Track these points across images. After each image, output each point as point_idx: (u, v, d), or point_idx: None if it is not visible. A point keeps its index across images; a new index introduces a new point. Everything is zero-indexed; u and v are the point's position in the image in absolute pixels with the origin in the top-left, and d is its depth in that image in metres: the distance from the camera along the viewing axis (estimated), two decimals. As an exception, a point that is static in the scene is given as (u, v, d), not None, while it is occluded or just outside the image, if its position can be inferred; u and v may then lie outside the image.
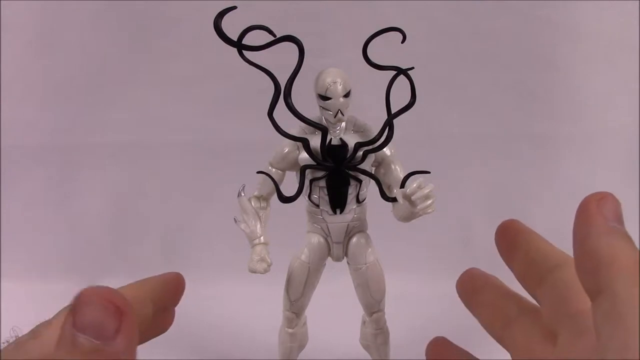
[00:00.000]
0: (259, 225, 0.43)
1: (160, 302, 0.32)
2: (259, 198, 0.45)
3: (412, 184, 0.40)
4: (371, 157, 0.43)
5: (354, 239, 0.45)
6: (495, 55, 0.70)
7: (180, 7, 0.67)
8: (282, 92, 0.37)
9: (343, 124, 0.42)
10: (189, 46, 0.68)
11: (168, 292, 0.33)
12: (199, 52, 0.68)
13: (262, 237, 0.43)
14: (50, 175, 0.73)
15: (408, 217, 0.41)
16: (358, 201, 0.44)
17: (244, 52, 0.36)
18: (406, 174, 0.42)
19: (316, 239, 0.45)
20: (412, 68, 0.39)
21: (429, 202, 0.40)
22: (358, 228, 0.45)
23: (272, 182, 0.42)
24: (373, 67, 0.39)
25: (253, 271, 0.42)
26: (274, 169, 0.44)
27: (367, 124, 0.43)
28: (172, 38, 0.68)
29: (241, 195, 0.44)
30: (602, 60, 0.71)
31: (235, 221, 0.44)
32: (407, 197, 0.40)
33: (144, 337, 0.30)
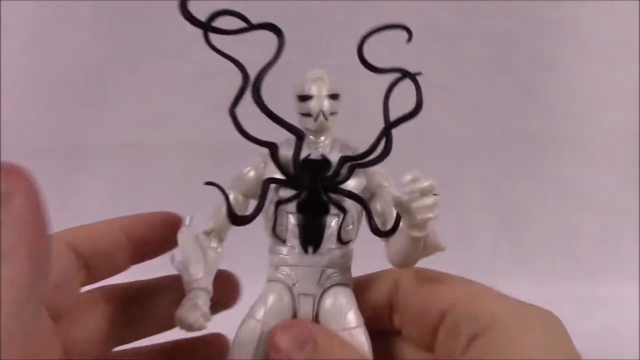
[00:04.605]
0: (200, 266, 0.31)
1: (136, 235, 0.33)
2: (209, 234, 0.33)
3: (405, 177, 0.29)
4: (360, 183, 0.33)
5: (331, 297, 0.31)
6: (495, 55, 0.70)
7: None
8: (252, 85, 0.29)
9: (328, 140, 0.33)
10: (189, 46, 0.68)
11: (148, 228, 0.34)
12: (199, 52, 0.67)
13: (201, 281, 0.31)
14: (50, 175, 0.73)
15: (406, 251, 0.30)
16: (340, 240, 0.32)
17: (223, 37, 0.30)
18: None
19: (275, 291, 0.32)
20: (420, 73, 0.32)
21: (428, 201, 0.28)
22: (337, 279, 0.32)
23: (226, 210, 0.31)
24: (370, 69, 0.31)
25: (180, 321, 0.30)
26: (232, 194, 0.33)
27: (359, 148, 0.33)
28: (172, 38, 0.68)
29: (184, 226, 0.33)
30: (603, 60, 0.71)
31: (171, 261, 0.32)
32: (401, 202, 0.28)
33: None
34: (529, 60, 0.70)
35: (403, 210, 0.28)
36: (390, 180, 0.33)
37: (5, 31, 0.69)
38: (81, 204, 0.73)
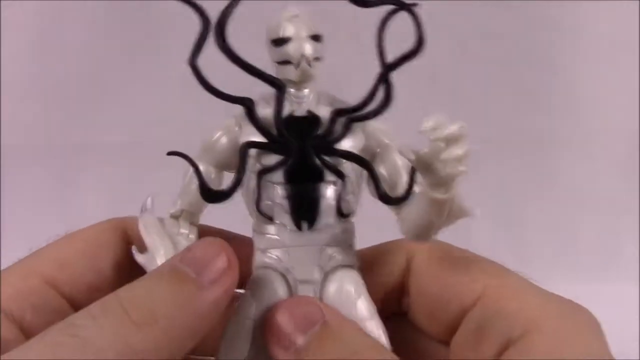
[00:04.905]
0: (164, 251, 0.26)
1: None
2: (177, 217, 0.28)
3: (426, 122, 0.23)
4: (358, 141, 0.27)
5: (335, 283, 0.26)
6: (495, 55, 0.70)
7: (180, 7, 0.67)
8: (215, 28, 0.25)
9: (312, 93, 0.27)
10: (189, 46, 0.68)
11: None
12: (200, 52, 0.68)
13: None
14: (50, 175, 0.73)
15: (426, 219, 0.25)
16: (340, 213, 0.26)
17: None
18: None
19: (267, 280, 0.26)
20: (416, 4, 0.27)
21: (457, 151, 0.23)
22: (340, 260, 0.26)
23: (197, 185, 0.26)
24: (358, 4, 0.26)
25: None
26: (201, 167, 0.28)
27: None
28: (172, 38, 0.68)
29: (145, 211, 0.28)
30: (602, 60, 0.71)
31: (134, 254, 0.27)
32: (422, 156, 0.23)
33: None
34: (529, 60, 0.70)
35: (423, 166, 0.23)
36: (392, 137, 0.28)
37: (5, 31, 0.69)
38: (81, 204, 0.73)
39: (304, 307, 0.24)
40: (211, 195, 0.25)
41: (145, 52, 0.69)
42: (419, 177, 0.25)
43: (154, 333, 0.21)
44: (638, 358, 0.54)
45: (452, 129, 0.23)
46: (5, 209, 0.73)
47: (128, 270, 0.28)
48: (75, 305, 0.27)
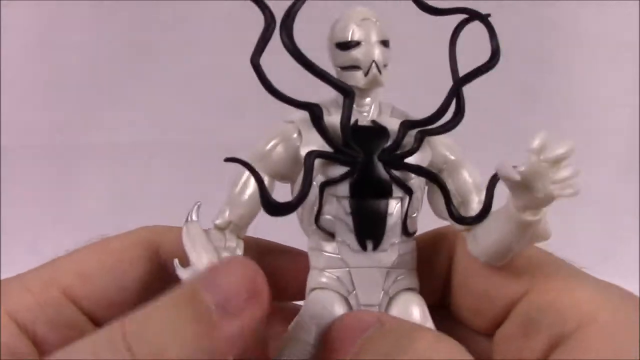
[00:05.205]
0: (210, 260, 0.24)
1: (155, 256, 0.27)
2: (223, 230, 0.25)
3: (535, 141, 0.22)
4: (425, 156, 0.25)
5: (399, 305, 0.25)
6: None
7: (180, 7, 0.67)
8: (281, 25, 0.23)
9: (374, 104, 0.26)
10: (189, 46, 0.68)
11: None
12: (199, 52, 0.68)
13: None
14: (50, 175, 0.73)
15: (507, 241, 0.23)
16: (406, 231, 0.25)
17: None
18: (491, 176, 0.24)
19: (327, 303, 0.24)
20: (489, 15, 0.27)
21: (565, 173, 0.21)
22: (405, 283, 0.25)
23: (252, 194, 0.24)
24: (427, 11, 0.26)
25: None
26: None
27: (410, 115, 0.27)
28: (172, 38, 0.68)
29: (190, 221, 0.26)
30: (602, 60, 0.71)
31: (176, 269, 0.25)
32: (526, 174, 0.22)
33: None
34: (529, 60, 0.70)
35: (522, 186, 0.21)
36: (459, 152, 0.27)
37: (5, 31, 0.69)
38: (81, 204, 0.73)
39: (358, 317, 0.23)
40: (276, 208, 0.23)
41: (146, 53, 0.69)
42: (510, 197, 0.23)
43: None
44: (638, 358, 0.54)
45: (562, 150, 0.22)
46: (5, 209, 0.73)
47: (155, 286, 0.25)
48: (96, 321, 0.26)
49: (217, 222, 0.26)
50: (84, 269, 0.26)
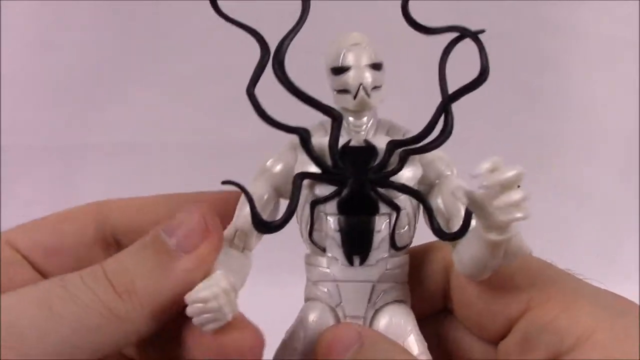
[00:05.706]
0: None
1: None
2: (231, 240, 0.26)
3: (482, 165, 0.22)
4: (415, 172, 0.26)
5: (384, 318, 0.26)
6: (496, 55, 0.70)
7: (180, 7, 0.67)
8: (273, 57, 0.24)
9: (371, 122, 0.27)
10: (189, 46, 0.68)
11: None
12: (199, 52, 0.68)
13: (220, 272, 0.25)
14: (50, 175, 0.73)
15: (480, 258, 0.23)
16: (394, 246, 0.26)
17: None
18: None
19: (315, 313, 0.26)
20: (483, 31, 0.28)
21: (514, 197, 0.22)
22: (392, 295, 0.26)
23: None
24: (419, 30, 0.27)
25: (193, 302, 0.23)
26: (260, 188, 0.27)
27: (410, 130, 0.27)
28: (172, 38, 0.68)
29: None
30: (603, 61, 0.71)
31: None
32: (475, 199, 0.22)
33: None
34: (529, 60, 0.70)
35: (478, 208, 0.22)
36: (453, 167, 0.28)
37: (5, 31, 0.69)
38: (81, 204, 0.73)
39: (342, 332, 0.25)
40: (262, 226, 0.25)
41: (146, 52, 0.69)
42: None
43: (133, 302, 0.23)
44: (638, 358, 0.54)
45: (509, 175, 0.22)
46: (5, 209, 0.73)
47: (97, 246, 0.31)
48: (33, 265, 0.30)
49: (225, 231, 0.27)
50: (28, 225, 0.32)
